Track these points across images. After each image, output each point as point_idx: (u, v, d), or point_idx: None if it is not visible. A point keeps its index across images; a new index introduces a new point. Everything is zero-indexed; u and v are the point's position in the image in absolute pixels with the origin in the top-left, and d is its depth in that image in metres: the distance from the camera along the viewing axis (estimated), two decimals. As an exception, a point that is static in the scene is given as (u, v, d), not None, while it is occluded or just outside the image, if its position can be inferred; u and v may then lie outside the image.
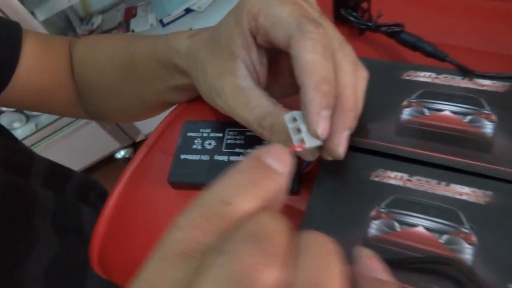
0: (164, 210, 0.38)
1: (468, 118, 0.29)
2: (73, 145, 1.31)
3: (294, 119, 0.25)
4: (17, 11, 0.92)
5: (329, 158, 0.27)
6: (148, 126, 1.39)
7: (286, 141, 0.26)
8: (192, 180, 0.35)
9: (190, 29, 1.40)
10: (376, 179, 0.28)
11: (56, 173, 0.56)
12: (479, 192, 0.26)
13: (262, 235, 0.15)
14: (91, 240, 0.39)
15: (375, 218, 0.27)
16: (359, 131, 0.31)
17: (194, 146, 0.37)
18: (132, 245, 0.38)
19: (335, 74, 0.25)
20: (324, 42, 0.25)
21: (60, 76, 0.50)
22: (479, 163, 0.27)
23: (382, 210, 0.27)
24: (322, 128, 0.23)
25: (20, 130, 1.29)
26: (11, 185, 0.45)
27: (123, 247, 0.38)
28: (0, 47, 0.45)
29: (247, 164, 0.17)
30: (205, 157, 0.36)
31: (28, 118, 1.29)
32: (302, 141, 0.24)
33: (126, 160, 1.48)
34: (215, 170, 0.35)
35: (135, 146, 1.48)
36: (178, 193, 0.38)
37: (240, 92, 0.29)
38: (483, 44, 0.39)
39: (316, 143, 0.25)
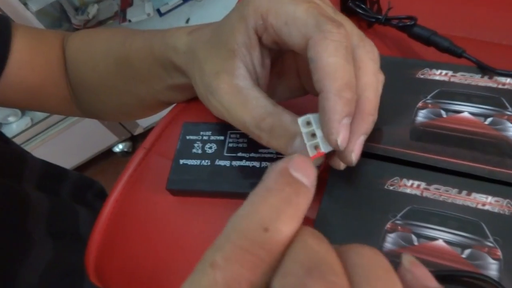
0: (163, 218, 0.36)
1: (489, 120, 0.27)
2: (70, 140, 1.29)
3: (308, 123, 0.23)
4: (9, 2, 0.89)
5: (340, 167, 0.25)
6: (146, 120, 1.36)
7: (287, 146, 0.24)
8: (192, 187, 0.34)
9: (188, 19, 1.37)
10: (391, 188, 0.26)
11: (50, 174, 0.54)
12: (503, 202, 0.24)
13: (320, 264, 0.14)
14: (86, 249, 0.37)
15: (390, 231, 0.25)
16: (371, 135, 0.28)
17: (194, 150, 0.35)
18: (129, 255, 0.36)
19: (356, 77, 0.23)
20: (346, 44, 0.23)
21: (53, 72, 0.47)
22: (502, 170, 0.25)
23: (398, 222, 0.25)
24: (342, 137, 0.22)
25: (15, 124, 1.26)
26: (3, 189, 0.43)
27: (120, 256, 0.36)
28: None
29: (276, 180, 0.16)
30: (205, 162, 0.34)
31: (23, 112, 1.27)
32: (316, 147, 0.23)
33: (124, 154, 1.46)
34: (216, 176, 0.33)
35: (133, 139, 1.46)
36: (178, 200, 0.36)
37: (237, 91, 0.26)
38: (504, 37, 0.36)
39: (330, 148, 0.23)
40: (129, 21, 1.41)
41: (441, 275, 0.22)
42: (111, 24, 1.43)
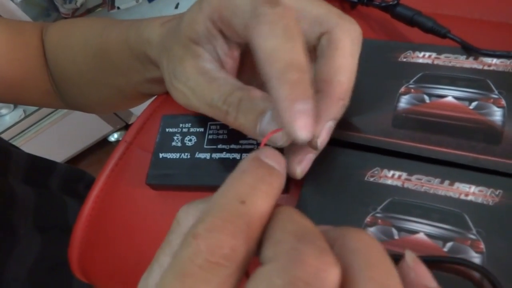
0: (144, 213, 0.35)
1: (474, 104, 0.26)
2: (64, 130, 1.28)
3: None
4: (-10, -7, 0.87)
5: (296, 175, 0.24)
6: (140, 107, 1.35)
7: (255, 123, 0.22)
8: (172, 181, 0.33)
9: (178, 4, 1.34)
10: (371, 179, 0.25)
11: (37, 167, 0.54)
12: (487, 191, 0.23)
13: (309, 233, 0.15)
14: (69, 244, 0.37)
15: (370, 225, 0.24)
16: (351, 124, 0.27)
17: (174, 143, 0.34)
18: (112, 249, 0.35)
19: (306, 56, 0.21)
20: (284, 22, 0.20)
21: (33, 66, 0.46)
22: (487, 157, 0.24)
23: (378, 215, 0.24)
24: (300, 125, 0.19)
25: (8, 116, 1.25)
26: None
27: (103, 251, 0.36)
28: None
29: (249, 164, 0.17)
30: (185, 155, 0.33)
31: (15, 104, 1.25)
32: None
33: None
34: (196, 169, 0.32)
35: (128, 128, 1.45)
36: (159, 194, 0.35)
37: (204, 72, 0.25)
38: (491, 13, 0.35)
39: None
40: (118, 8, 1.38)
41: (428, 261, 0.22)
42: (99, 12, 1.41)
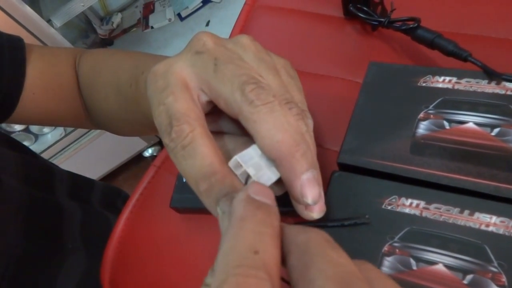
0: (169, 235, 0.36)
1: (496, 130, 0.25)
2: (101, 148, 1.33)
3: (239, 165, 0.22)
4: (33, 20, 0.92)
5: (310, 216, 0.23)
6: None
7: (215, 207, 0.22)
8: (195, 205, 0.33)
9: (209, 21, 1.38)
10: (389, 207, 0.25)
11: (78, 184, 0.56)
12: (509, 222, 0.22)
13: (351, 279, 0.15)
14: (101, 265, 0.38)
15: (388, 254, 0.24)
16: (368, 150, 0.27)
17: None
18: (141, 271, 0.37)
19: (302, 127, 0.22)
20: (275, 104, 0.21)
21: (66, 94, 0.49)
22: (509, 186, 0.23)
23: (396, 244, 0.24)
24: (309, 192, 0.21)
25: (50, 135, 1.31)
26: (37, 201, 0.45)
27: (134, 272, 0.37)
28: (5, 70, 0.44)
29: (245, 208, 0.17)
30: (207, 181, 0.34)
31: (44, 125, 1.32)
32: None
33: (154, 158, 1.49)
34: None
35: (161, 143, 1.48)
36: (183, 217, 0.36)
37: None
38: (511, 31, 0.34)
39: (271, 179, 0.22)
40: (152, 27, 1.43)
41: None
42: (134, 32, 1.46)
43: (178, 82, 0.23)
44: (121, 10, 1.52)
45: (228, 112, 0.23)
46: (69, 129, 1.31)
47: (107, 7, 1.53)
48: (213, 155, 0.22)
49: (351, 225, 0.25)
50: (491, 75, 0.27)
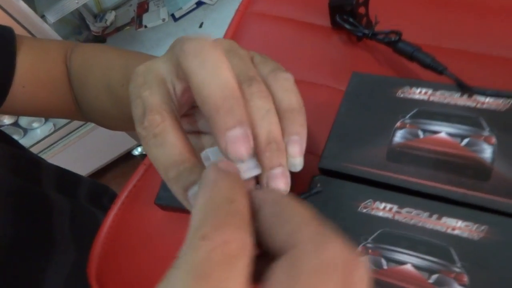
0: (156, 231, 0.37)
1: (466, 141, 0.27)
2: (91, 144, 1.33)
3: (208, 158, 0.23)
4: (27, 15, 0.92)
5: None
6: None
7: (185, 195, 0.23)
8: (177, 203, 0.35)
9: (202, 23, 1.39)
10: (364, 210, 0.27)
11: (66, 178, 0.57)
12: (473, 226, 0.24)
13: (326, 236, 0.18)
14: (88, 260, 0.39)
15: (361, 254, 0.25)
16: (347, 155, 0.29)
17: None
18: (127, 266, 0.38)
19: (239, 85, 0.22)
20: (206, 55, 0.22)
21: (56, 88, 0.49)
22: (475, 193, 0.25)
23: (369, 245, 0.25)
24: (232, 150, 0.20)
25: (40, 129, 1.31)
26: (26, 192, 0.45)
27: (121, 268, 0.38)
28: None
29: (215, 173, 0.19)
30: (193, 180, 0.35)
31: (35, 116, 1.31)
32: None
33: (143, 156, 1.49)
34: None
35: (151, 142, 1.49)
36: (169, 215, 0.37)
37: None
38: (491, 47, 0.36)
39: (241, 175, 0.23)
40: (145, 26, 1.44)
41: None
42: (128, 30, 1.47)
43: (155, 78, 0.25)
44: (115, 8, 1.53)
45: (184, 79, 0.24)
46: (58, 125, 1.31)
47: (101, 5, 1.53)
48: (183, 146, 0.23)
49: (307, 197, 0.27)
50: (464, 88, 0.29)
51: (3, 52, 0.45)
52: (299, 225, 0.18)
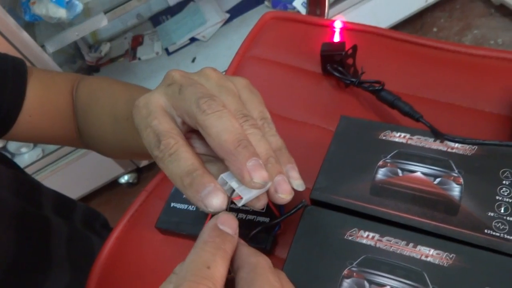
0: (156, 256, 0.40)
1: (438, 180, 0.31)
2: (78, 170, 1.34)
3: (225, 182, 0.27)
4: (27, 45, 0.96)
5: (281, 198, 0.28)
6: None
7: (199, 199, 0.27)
8: (177, 229, 0.38)
9: (194, 58, 1.44)
10: (350, 238, 0.30)
11: (63, 202, 0.58)
12: (443, 255, 0.28)
13: None
14: (87, 280, 0.41)
15: (347, 277, 0.28)
16: (336, 189, 0.33)
17: (185, 196, 0.39)
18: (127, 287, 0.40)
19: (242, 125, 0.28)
20: (221, 113, 0.27)
21: (61, 118, 0.52)
22: (445, 226, 0.29)
23: (354, 269, 0.29)
24: (256, 175, 0.26)
25: (27, 155, 1.32)
26: (27, 213, 0.47)
27: (119, 288, 0.40)
28: (7, 92, 0.47)
29: (209, 234, 0.24)
30: (191, 208, 0.38)
31: (35, 143, 1.32)
32: (238, 196, 0.27)
33: (129, 185, 1.50)
34: (199, 222, 0.37)
35: (138, 171, 1.51)
36: (169, 240, 0.40)
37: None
38: (459, 99, 0.41)
39: (252, 194, 0.27)
40: (139, 59, 1.49)
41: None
42: (121, 62, 1.51)
43: (158, 109, 0.30)
44: (110, 40, 1.58)
45: (191, 124, 0.29)
46: (47, 151, 1.32)
47: (96, 36, 1.58)
48: (194, 158, 0.27)
49: (294, 212, 0.31)
50: (437, 134, 0.34)
51: (16, 84, 0.48)
52: None
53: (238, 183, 0.27)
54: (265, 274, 0.24)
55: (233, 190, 0.27)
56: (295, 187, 0.29)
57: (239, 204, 0.27)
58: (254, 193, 0.27)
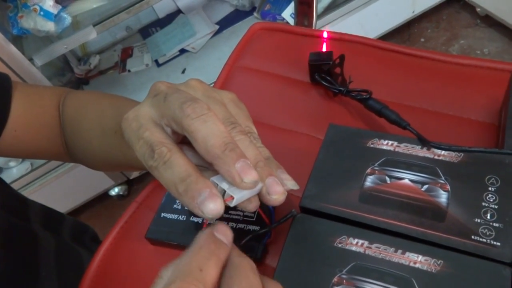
0: (146, 267, 0.39)
1: (425, 187, 0.32)
2: (68, 183, 1.33)
3: (215, 184, 0.27)
4: (15, 58, 0.95)
5: (273, 199, 0.28)
6: (142, 163, 1.41)
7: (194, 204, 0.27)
8: (167, 238, 0.37)
9: (184, 69, 1.45)
10: (339, 245, 0.30)
11: (51, 216, 0.58)
12: (431, 261, 0.28)
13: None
14: (76, 295, 0.41)
15: (337, 284, 0.29)
16: (325, 197, 0.33)
17: (175, 206, 0.39)
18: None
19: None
20: (206, 116, 0.27)
21: (48, 133, 0.51)
22: (433, 232, 0.29)
23: (343, 276, 0.29)
24: (246, 175, 0.26)
25: (16, 169, 1.30)
26: (14, 227, 0.46)
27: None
28: None
29: (205, 240, 0.24)
30: (182, 218, 0.38)
31: (22, 158, 1.31)
32: (230, 196, 0.27)
33: (120, 197, 1.49)
34: (189, 232, 0.37)
35: (129, 183, 1.49)
36: (159, 250, 0.39)
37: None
38: (445, 107, 0.42)
39: (243, 193, 0.27)
40: (129, 71, 1.48)
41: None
42: (111, 74, 1.51)
43: (148, 121, 0.30)
44: (100, 52, 1.58)
45: (179, 130, 0.29)
46: (35, 165, 1.30)
47: (85, 48, 1.58)
48: (188, 164, 0.27)
49: (285, 221, 0.32)
50: (424, 142, 0.34)
51: (0, 99, 0.47)
52: None
53: (229, 184, 0.27)
54: (245, 272, 0.24)
55: (224, 192, 0.27)
56: (290, 187, 0.29)
57: (231, 204, 0.27)
58: (245, 192, 0.27)
